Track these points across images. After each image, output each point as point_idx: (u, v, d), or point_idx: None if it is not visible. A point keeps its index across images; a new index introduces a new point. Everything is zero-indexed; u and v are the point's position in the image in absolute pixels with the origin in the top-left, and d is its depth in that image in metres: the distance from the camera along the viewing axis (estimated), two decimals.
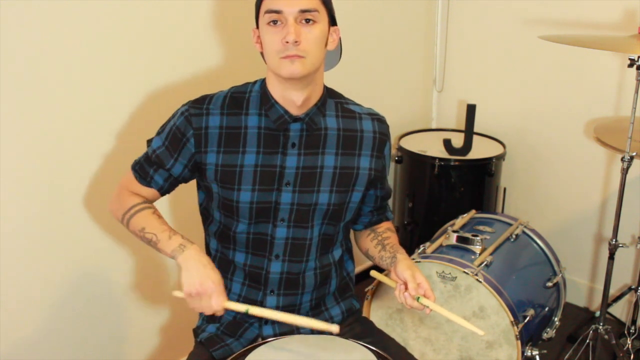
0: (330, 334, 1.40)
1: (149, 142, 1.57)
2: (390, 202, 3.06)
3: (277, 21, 1.38)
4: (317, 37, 1.40)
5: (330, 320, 1.66)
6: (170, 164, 1.51)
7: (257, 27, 1.45)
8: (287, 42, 1.36)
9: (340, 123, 1.54)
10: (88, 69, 1.86)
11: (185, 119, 1.48)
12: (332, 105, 1.55)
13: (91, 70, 1.86)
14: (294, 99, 1.46)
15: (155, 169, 1.53)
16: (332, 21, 1.47)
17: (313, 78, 1.46)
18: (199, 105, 1.50)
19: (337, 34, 1.49)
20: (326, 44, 1.45)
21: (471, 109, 2.74)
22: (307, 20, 1.38)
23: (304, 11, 1.37)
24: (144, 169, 1.55)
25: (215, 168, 1.49)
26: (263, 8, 1.40)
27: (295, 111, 1.49)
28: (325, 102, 1.54)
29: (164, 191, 1.57)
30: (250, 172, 1.49)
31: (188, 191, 1.67)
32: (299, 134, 1.51)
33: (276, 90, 1.48)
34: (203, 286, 1.38)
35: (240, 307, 1.43)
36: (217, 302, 1.39)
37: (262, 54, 1.47)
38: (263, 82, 1.52)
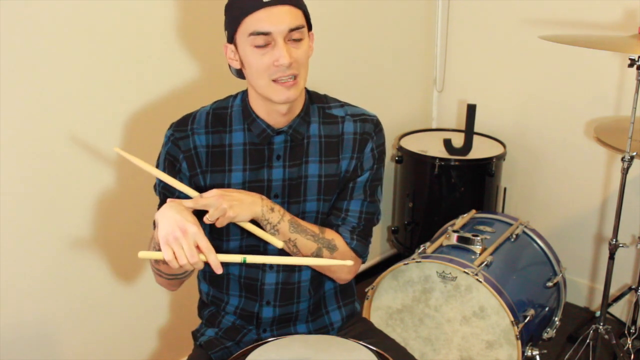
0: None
1: (154, 187, 1.52)
2: (390, 202, 3.10)
3: (264, 44, 1.32)
4: (305, 53, 1.37)
5: (330, 326, 1.65)
6: (177, 191, 1.43)
7: (232, 43, 1.38)
8: (280, 65, 1.32)
9: (322, 130, 1.50)
10: (81, 78, 1.86)
11: (173, 144, 1.46)
12: (315, 111, 1.51)
13: (83, 80, 1.87)
14: (279, 109, 1.42)
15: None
16: (310, 26, 1.42)
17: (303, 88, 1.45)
18: (183, 127, 1.47)
19: (312, 39, 1.44)
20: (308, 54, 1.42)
21: (471, 109, 2.74)
22: (295, 39, 1.34)
23: (292, 30, 1.32)
24: None
25: (205, 188, 1.43)
26: (245, 27, 1.32)
27: (278, 124, 1.45)
28: (309, 109, 1.50)
29: None
30: None
31: None
32: (283, 145, 1.47)
33: (259, 106, 1.44)
34: (182, 227, 1.22)
35: (236, 258, 1.28)
36: (204, 243, 1.22)
37: (237, 70, 1.43)
38: (244, 94, 1.49)
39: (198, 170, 1.46)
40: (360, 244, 1.52)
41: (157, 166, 1.49)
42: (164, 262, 1.26)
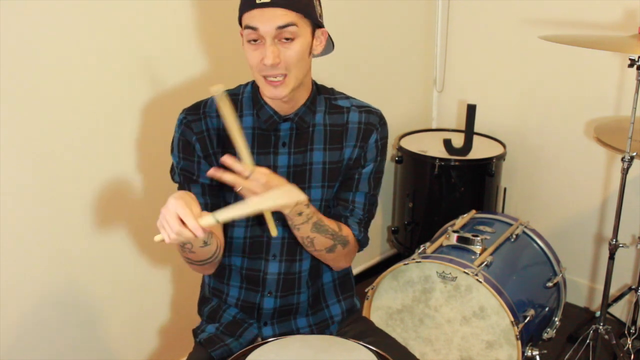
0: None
1: (172, 171, 1.55)
2: (390, 202, 3.10)
3: (256, 39, 1.36)
4: (297, 54, 1.37)
5: (330, 319, 1.67)
6: (196, 171, 1.50)
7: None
8: (265, 64, 1.35)
9: (327, 119, 1.53)
10: (84, 77, 1.86)
11: (186, 126, 1.49)
12: (322, 101, 1.55)
13: (86, 78, 1.87)
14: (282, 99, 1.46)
15: (187, 188, 1.49)
16: (317, 24, 1.43)
17: (299, 84, 1.45)
18: (196, 111, 1.50)
19: (324, 35, 1.46)
20: (310, 52, 1.43)
21: (471, 109, 2.74)
22: (287, 38, 1.36)
23: (281, 27, 1.34)
24: None
25: None
26: (243, 22, 1.38)
27: (284, 111, 1.49)
28: (315, 99, 1.53)
29: (210, 210, 1.42)
30: None
31: None
32: (289, 132, 1.51)
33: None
34: (166, 205, 1.25)
35: (209, 220, 1.26)
36: (182, 210, 1.22)
37: None
38: (254, 82, 1.52)
39: (210, 152, 1.50)
40: (364, 236, 1.58)
41: (172, 150, 1.53)
42: (190, 250, 1.38)
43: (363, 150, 1.54)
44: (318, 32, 1.44)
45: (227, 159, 1.31)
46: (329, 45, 1.53)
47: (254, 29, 1.35)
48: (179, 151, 1.51)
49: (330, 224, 1.48)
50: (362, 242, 1.59)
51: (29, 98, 1.76)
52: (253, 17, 1.35)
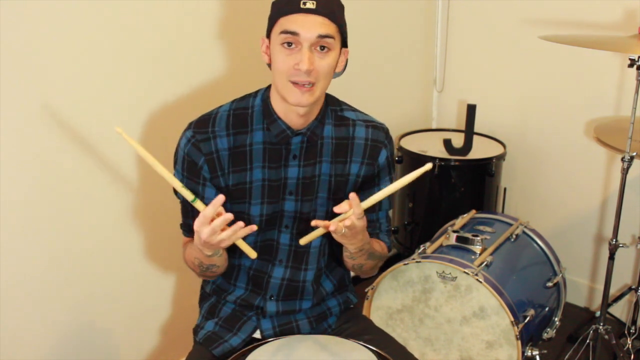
0: None
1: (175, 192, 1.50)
2: None
3: (291, 43, 1.36)
4: (329, 66, 1.39)
5: (328, 311, 1.68)
6: (200, 192, 1.48)
7: (268, 37, 1.43)
8: (299, 69, 1.35)
9: (334, 131, 1.54)
10: (85, 78, 1.86)
11: (193, 146, 1.47)
12: (329, 113, 1.55)
13: (89, 79, 1.86)
14: (296, 111, 1.45)
15: (193, 213, 1.45)
16: (345, 43, 1.45)
17: (320, 97, 1.46)
18: (204, 130, 1.48)
19: (345, 55, 1.48)
20: (335, 68, 1.44)
21: (471, 109, 2.74)
22: (322, 48, 1.37)
23: (321, 37, 1.35)
24: (186, 222, 1.55)
25: (227, 188, 1.49)
26: (279, 26, 1.38)
27: (295, 125, 1.48)
28: (325, 112, 1.53)
29: None
30: (259, 187, 1.50)
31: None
32: (300, 145, 1.51)
33: (279, 105, 1.47)
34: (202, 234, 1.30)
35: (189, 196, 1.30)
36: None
37: (268, 64, 1.46)
38: (265, 93, 1.51)
39: (219, 173, 1.48)
40: (390, 242, 1.68)
41: (175, 163, 1.51)
42: (214, 271, 1.50)
43: (373, 168, 1.56)
44: (343, 50, 1.45)
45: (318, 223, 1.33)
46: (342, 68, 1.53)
47: (293, 33, 1.35)
48: (183, 169, 1.49)
49: (377, 247, 1.56)
50: (390, 248, 1.66)
51: (29, 98, 1.76)
52: (294, 21, 1.35)
